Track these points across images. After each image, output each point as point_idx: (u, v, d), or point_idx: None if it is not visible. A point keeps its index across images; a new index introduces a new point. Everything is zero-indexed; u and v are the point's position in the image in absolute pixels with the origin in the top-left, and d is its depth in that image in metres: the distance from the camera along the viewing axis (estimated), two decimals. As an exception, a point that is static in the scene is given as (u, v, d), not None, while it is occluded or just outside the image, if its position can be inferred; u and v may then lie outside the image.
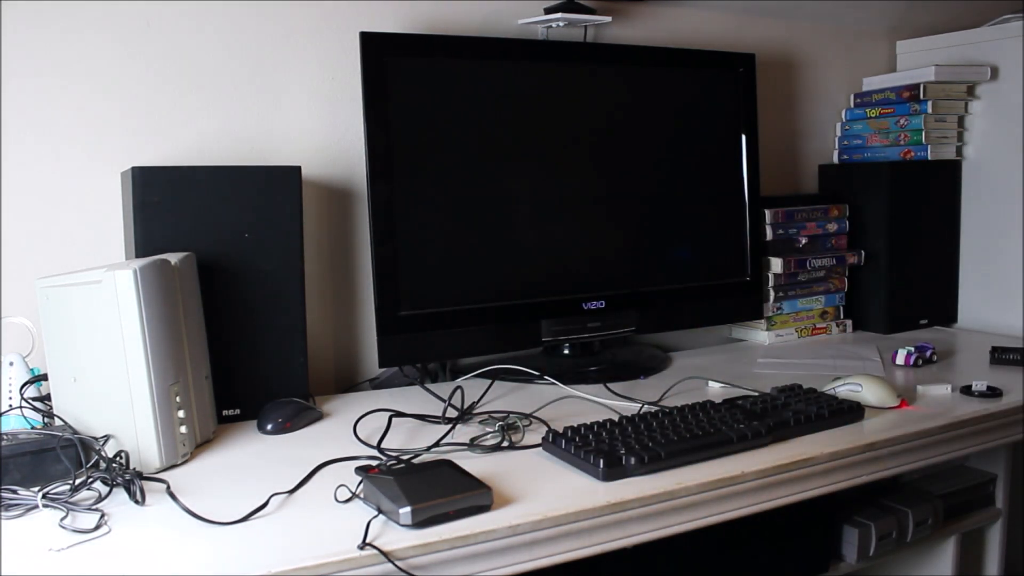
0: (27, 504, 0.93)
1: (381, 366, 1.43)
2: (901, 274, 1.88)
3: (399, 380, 1.52)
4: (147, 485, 0.99)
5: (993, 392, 1.36)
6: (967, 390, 1.38)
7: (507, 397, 1.40)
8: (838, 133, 2.07)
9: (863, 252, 1.88)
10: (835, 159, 2.07)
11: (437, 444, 1.13)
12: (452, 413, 1.27)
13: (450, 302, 1.46)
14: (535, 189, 1.52)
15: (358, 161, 1.44)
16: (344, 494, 0.96)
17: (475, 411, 1.29)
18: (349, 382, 1.55)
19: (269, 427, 1.23)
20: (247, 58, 1.44)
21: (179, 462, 1.09)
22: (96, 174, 1.34)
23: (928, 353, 1.58)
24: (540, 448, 1.13)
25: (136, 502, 0.95)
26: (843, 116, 2.06)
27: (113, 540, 0.87)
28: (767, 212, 1.79)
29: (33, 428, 1.09)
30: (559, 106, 1.54)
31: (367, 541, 0.85)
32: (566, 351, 1.62)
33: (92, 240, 1.34)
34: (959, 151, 1.94)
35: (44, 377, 1.16)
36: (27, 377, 1.17)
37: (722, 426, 1.14)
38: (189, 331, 1.14)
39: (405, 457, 1.09)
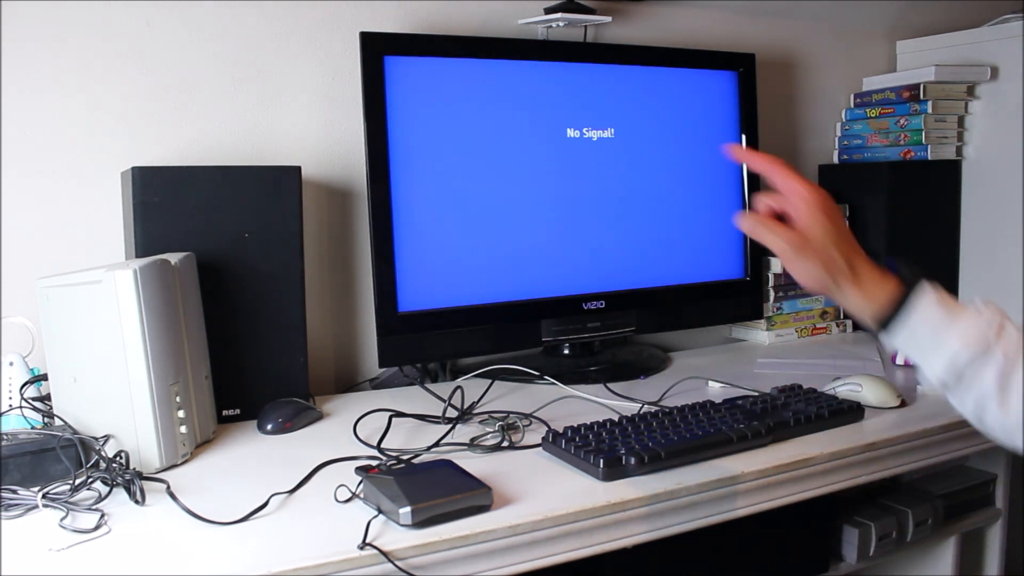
0: (27, 504, 0.93)
1: (381, 366, 1.43)
2: (901, 274, 1.88)
3: (399, 380, 1.52)
4: (147, 485, 0.99)
5: (993, 392, 1.36)
6: (967, 390, 1.37)
7: (507, 397, 1.40)
8: (838, 133, 2.07)
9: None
10: (835, 159, 2.07)
11: (437, 444, 1.13)
12: (452, 413, 1.27)
13: (450, 302, 1.46)
14: (535, 189, 1.52)
15: (358, 161, 1.44)
16: (344, 494, 0.96)
17: (475, 411, 1.29)
18: (349, 382, 1.55)
19: (269, 427, 1.23)
20: (247, 58, 1.44)
21: (179, 462, 1.09)
22: (96, 174, 1.34)
23: (928, 353, 1.58)
24: (540, 448, 1.13)
25: (136, 502, 0.95)
26: (843, 116, 2.06)
27: (113, 540, 0.87)
28: (767, 212, 1.78)
29: (33, 428, 1.09)
30: (559, 106, 1.54)
31: (367, 541, 0.85)
32: (566, 351, 1.62)
33: (92, 240, 1.34)
34: (959, 151, 1.94)
35: (44, 377, 1.16)
36: (27, 377, 1.17)
37: (722, 426, 1.14)
38: (189, 331, 1.14)
39: (405, 457, 1.09)
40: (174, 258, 1.13)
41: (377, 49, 1.38)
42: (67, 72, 1.31)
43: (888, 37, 2.13)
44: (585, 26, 1.68)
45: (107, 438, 1.04)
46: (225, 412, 1.27)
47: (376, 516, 0.90)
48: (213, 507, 0.92)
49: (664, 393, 1.40)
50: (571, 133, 1.55)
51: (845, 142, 2.05)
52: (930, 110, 1.88)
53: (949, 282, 1.97)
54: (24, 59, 1.28)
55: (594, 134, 1.57)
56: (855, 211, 1.90)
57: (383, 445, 1.13)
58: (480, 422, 1.24)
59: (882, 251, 1.86)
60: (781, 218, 0.92)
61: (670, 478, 1.02)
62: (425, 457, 1.09)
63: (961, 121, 1.94)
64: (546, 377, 1.47)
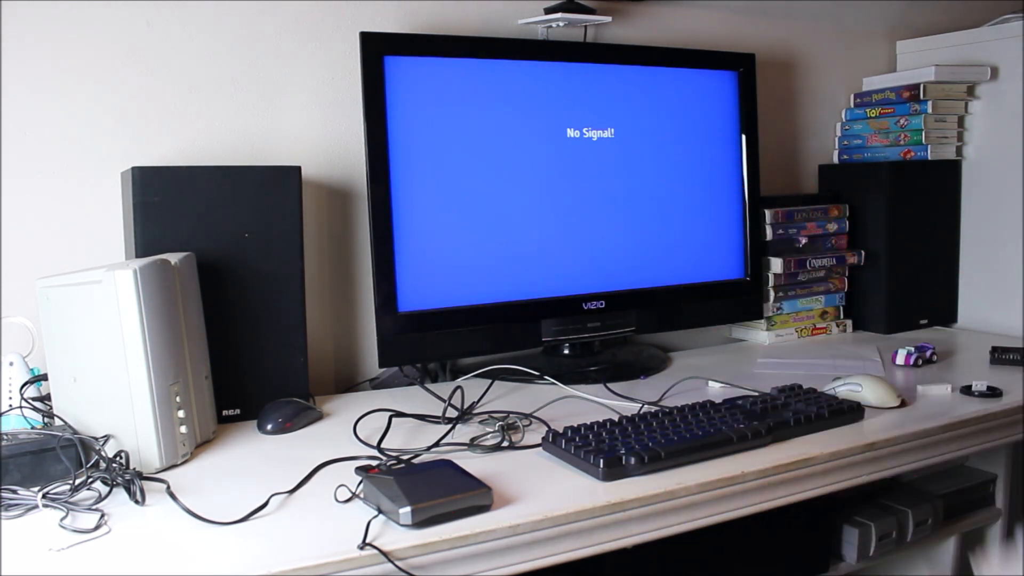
0: (27, 504, 0.93)
1: (381, 366, 1.43)
2: (901, 274, 1.88)
3: (399, 380, 1.52)
4: (147, 485, 0.99)
5: (993, 392, 1.36)
6: (967, 390, 1.38)
7: (507, 397, 1.40)
8: (838, 133, 2.07)
9: (863, 252, 1.88)
10: (835, 159, 2.07)
11: (437, 444, 1.13)
12: (452, 413, 1.27)
13: (450, 302, 1.46)
14: (535, 188, 1.52)
15: (358, 161, 1.44)
16: (344, 494, 0.96)
17: (475, 411, 1.29)
18: (349, 382, 1.55)
19: (269, 427, 1.23)
20: (247, 58, 1.44)
21: (179, 462, 1.09)
22: (96, 174, 1.34)
23: (928, 353, 1.58)
24: (540, 448, 1.13)
25: (136, 502, 0.95)
26: (843, 116, 2.06)
27: (113, 540, 0.87)
28: (767, 212, 1.79)
29: (33, 428, 1.09)
30: (559, 106, 1.54)
31: (367, 541, 0.85)
32: (566, 351, 1.62)
33: (92, 240, 1.34)
34: (959, 151, 1.94)
35: (44, 377, 1.16)
36: (27, 377, 1.17)
37: (722, 426, 1.14)
38: (189, 331, 1.14)
39: (405, 457, 1.09)
40: (174, 258, 1.13)
41: (377, 49, 1.38)
42: (67, 72, 1.32)
43: (888, 37, 2.13)
44: (585, 26, 1.68)
45: (107, 438, 1.04)
46: (225, 412, 1.27)
47: (376, 516, 0.90)
48: (213, 507, 0.93)
49: (664, 393, 1.40)
50: (571, 133, 1.55)
51: (845, 142, 2.05)
52: (930, 110, 1.88)
53: (949, 282, 1.97)
54: (24, 59, 1.28)
55: (594, 134, 1.57)
56: (855, 211, 1.90)
57: (383, 445, 1.13)
58: (480, 422, 1.24)
59: (882, 251, 1.87)
60: None
61: (670, 478, 1.02)
62: (425, 457, 1.09)
63: (961, 121, 1.94)
64: (546, 377, 1.47)
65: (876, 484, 1.41)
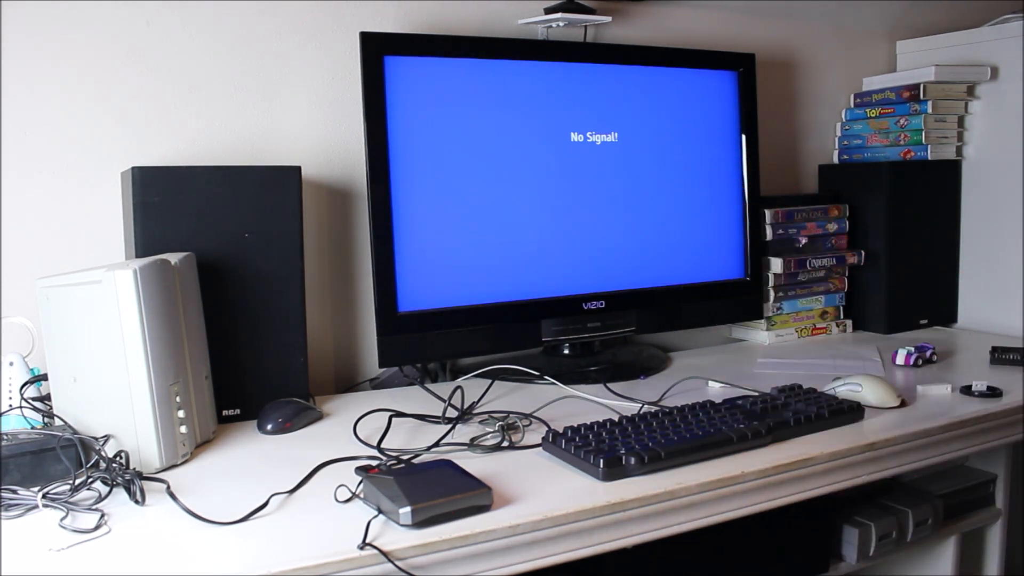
0: (27, 504, 0.94)
1: (381, 366, 1.43)
2: (901, 274, 1.88)
3: (399, 380, 1.52)
4: (147, 485, 0.99)
5: (993, 392, 1.36)
6: (967, 390, 1.38)
7: (507, 397, 1.40)
8: (838, 133, 2.07)
9: (863, 252, 1.88)
10: (835, 159, 2.07)
11: (437, 444, 1.13)
12: (452, 413, 1.27)
13: (450, 302, 1.46)
14: (535, 188, 1.52)
15: (358, 161, 1.44)
16: (344, 494, 0.96)
17: (475, 411, 1.29)
18: (349, 382, 1.55)
19: (269, 427, 1.23)
20: (247, 58, 1.44)
21: (179, 462, 1.09)
22: (96, 174, 1.34)
23: (928, 353, 1.58)
24: (540, 448, 1.13)
25: (136, 502, 0.95)
26: (843, 116, 2.06)
27: (113, 540, 0.87)
28: (767, 212, 1.79)
29: (33, 428, 1.09)
30: (559, 106, 1.54)
31: (367, 541, 0.85)
32: (566, 351, 1.62)
33: (92, 240, 1.34)
34: (959, 151, 1.94)
35: (44, 377, 1.16)
36: (27, 377, 1.17)
37: (722, 426, 1.14)
38: (189, 331, 1.14)
39: (405, 457, 1.09)
40: (174, 258, 1.13)
41: (377, 49, 1.38)
42: (67, 72, 1.31)
43: (888, 37, 2.13)
44: (585, 26, 1.68)
45: (107, 438, 1.04)
46: (225, 412, 1.27)
47: (376, 516, 0.90)
48: (213, 507, 0.93)
49: (664, 393, 1.40)
50: (575, 137, 1.55)
51: (845, 142, 2.05)
52: (930, 110, 1.88)
53: (949, 282, 1.97)
54: (24, 59, 1.28)
55: (597, 138, 1.57)
56: (855, 211, 1.90)
57: (383, 445, 1.13)
58: (480, 422, 1.24)
59: (882, 251, 1.87)
60: None
61: (670, 478, 1.02)
62: (425, 457, 1.09)
63: (961, 121, 1.94)
64: (546, 377, 1.47)
65: (876, 484, 1.41)
